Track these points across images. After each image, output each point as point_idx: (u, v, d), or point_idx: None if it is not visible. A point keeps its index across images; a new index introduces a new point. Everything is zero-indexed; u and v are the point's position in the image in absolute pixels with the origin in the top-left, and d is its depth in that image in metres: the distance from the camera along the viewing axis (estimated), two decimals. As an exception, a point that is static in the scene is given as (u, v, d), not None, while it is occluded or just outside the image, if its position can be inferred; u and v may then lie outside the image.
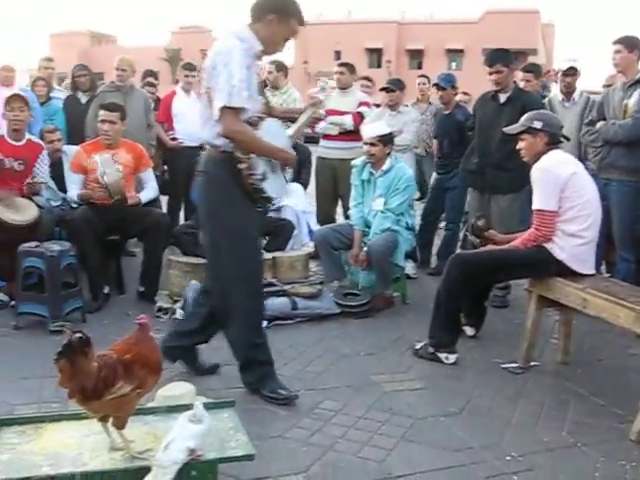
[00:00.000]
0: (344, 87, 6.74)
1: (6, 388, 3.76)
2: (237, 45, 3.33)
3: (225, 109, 3.28)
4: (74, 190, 5.52)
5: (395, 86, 6.83)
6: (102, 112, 5.52)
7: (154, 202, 6.08)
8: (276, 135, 3.61)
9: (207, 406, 2.79)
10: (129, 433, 2.46)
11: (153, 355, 2.48)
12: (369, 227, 5.54)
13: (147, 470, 2.34)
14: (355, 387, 3.85)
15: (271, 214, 6.46)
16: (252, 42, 3.42)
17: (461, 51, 48.47)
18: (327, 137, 6.87)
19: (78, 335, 2.32)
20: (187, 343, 3.91)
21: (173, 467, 2.27)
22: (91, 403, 2.35)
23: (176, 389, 3.11)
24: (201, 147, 4.26)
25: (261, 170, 3.46)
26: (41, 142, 5.76)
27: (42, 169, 5.57)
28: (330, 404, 3.66)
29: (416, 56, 50.67)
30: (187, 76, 7.17)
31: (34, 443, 2.49)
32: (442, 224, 7.04)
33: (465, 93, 10.02)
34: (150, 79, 8.19)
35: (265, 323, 4.89)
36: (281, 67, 7.22)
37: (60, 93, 7.47)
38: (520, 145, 4.30)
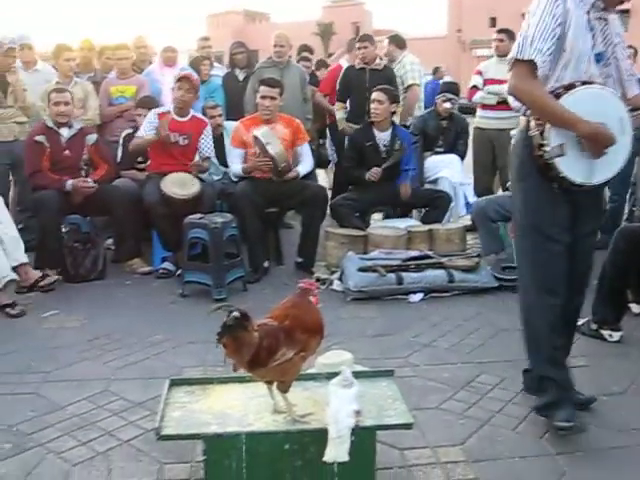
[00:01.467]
0: (503, 55, 6.50)
1: (174, 351, 4.00)
2: None
3: (515, 62, 2.85)
4: (236, 164, 5.72)
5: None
6: (263, 88, 5.65)
7: (310, 175, 6.19)
8: (603, 107, 2.85)
9: (365, 374, 2.83)
10: (291, 397, 2.52)
11: (313, 317, 2.50)
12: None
13: (309, 433, 2.40)
14: (514, 362, 3.73)
15: (427, 186, 6.40)
16: None
17: (627, 11, 45.54)
18: (485, 107, 6.69)
19: (234, 314, 2.37)
20: None
21: (348, 433, 2.31)
22: (257, 370, 2.42)
23: (335, 357, 3.15)
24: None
25: (555, 143, 2.83)
26: (205, 118, 6.00)
27: (206, 144, 5.80)
28: (487, 378, 3.59)
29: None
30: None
31: (202, 403, 2.62)
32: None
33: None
34: (305, 54, 8.28)
35: (421, 295, 4.90)
36: (393, 39, 7.11)
37: (219, 71, 7.74)
38: None
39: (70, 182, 5.37)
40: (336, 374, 2.51)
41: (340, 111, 6.94)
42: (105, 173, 5.66)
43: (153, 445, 2.80)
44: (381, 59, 6.98)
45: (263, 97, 5.63)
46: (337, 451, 2.29)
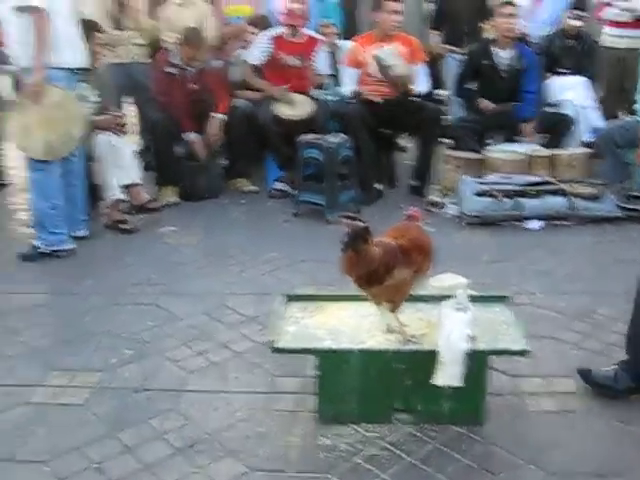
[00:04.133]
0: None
1: (287, 269, 4.06)
2: None
3: None
4: (349, 85, 5.63)
5: None
6: (391, 3, 5.44)
7: (428, 97, 6.00)
8: None
9: (479, 299, 2.76)
10: (403, 318, 2.51)
11: (426, 240, 2.47)
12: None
13: (420, 353, 2.39)
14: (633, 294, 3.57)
15: (548, 109, 6.09)
16: None
17: None
18: (615, 24, 6.24)
19: (362, 225, 2.34)
20: None
21: (461, 357, 2.28)
22: (372, 288, 2.40)
23: (448, 280, 3.10)
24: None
25: None
26: (319, 36, 5.91)
27: (321, 62, 5.73)
28: (605, 310, 3.43)
29: None
30: None
31: (316, 319, 2.65)
32: None
33: None
34: None
35: (539, 222, 4.73)
36: None
37: None
38: None
39: (192, 136, 5.48)
40: (450, 297, 2.47)
41: (435, 36, 6.70)
42: (228, 104, 5.67)
43: (266, 358, 2.86)
44: None
45: (394, 11, 5.44)
46: (449, 375, 2.27)
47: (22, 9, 4.06)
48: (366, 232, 2.35)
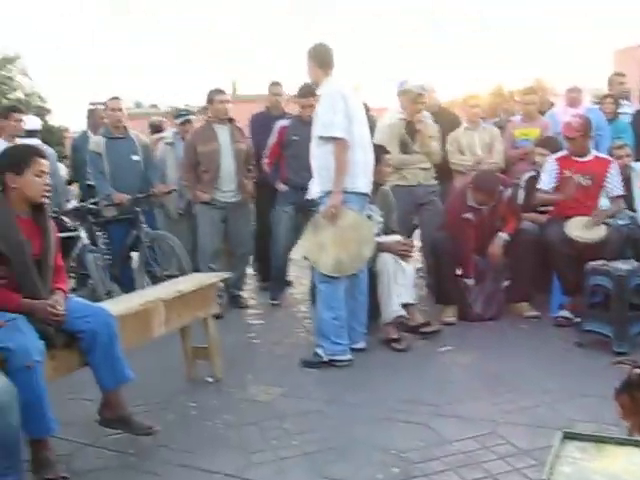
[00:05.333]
0: None
1: (566, 402, 3.79)
2: None
3: None
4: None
5: None
6: None
7: None
8: None
9: None
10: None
11: None
12: None
13: None
14: None
15: None
16: None
17: None
18: None
19: (638, 372, 2.17)
20: None
21: None
22: None
23: None
24: None
25: None
26: (609, 157, 5.70)
27: (614, 182, 5.52)
28: None
29: None
30: None
31: (597, 462, 2.41)
32: None
33: None
34: None
35: None
36: None
37: (628, 109, 7.27)
38: None
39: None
40: None
41: None
42: (515, 226, 5.65)
43: (539, 497, 2.66)
44: None
45: None
46: None
47: (325, 139, 4.48)
48: None
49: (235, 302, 6.36)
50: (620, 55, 24.37)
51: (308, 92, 5.89)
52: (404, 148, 6.14)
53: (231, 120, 6.24)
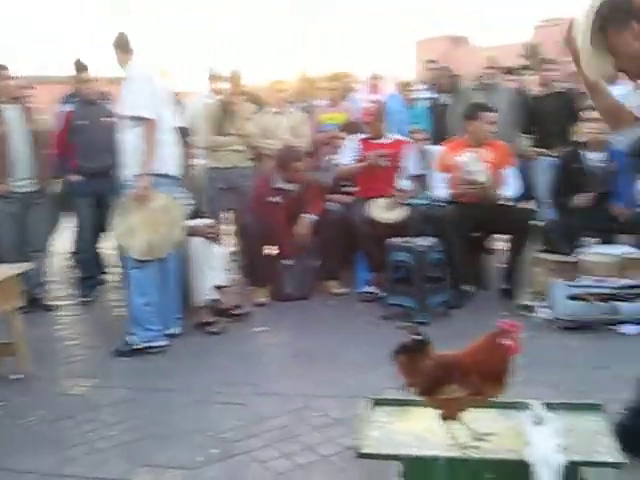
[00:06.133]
0: None
1: (374, 372, 4.01)
2: None
3: None
4: (440, 189, 5.69)
5: None
6: (489, 114, 5.61)
7: (520, 200, 5.98)
8: None
9: (571, 406, 2.66)
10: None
11: (496, 366, 2.34)
12: None
13: (510, 463, 2.29)
14: None
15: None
16: None
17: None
18: None
19: (417, 338, 2.41)
20: None
21: (558, 470, 2.18)
22: (424, 397, 2.43)
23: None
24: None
25: None
26: (405, 138, 6.09)
27: (411, 163, 5.90)
28: None
29: None
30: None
31: (402, 424, 2.60)
32: None
33: None
34: (508, 76, 8.13)
35: (637, 327, 4.56)
36: None
37: (426, 93, 7.75)
38: None
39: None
40: (527, 407, 2.40)
41: (525, 139, 6.77)
42: (320, 208, 5.83)
43: (352, 462, 2.82)
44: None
45: (490, 122, 5.59)
46: None
47: (135, 121, 4.37)
48: (423, 343, 2.40)
49: (38, 304, 5.68)
50: (422, 46, 25.80)
51: (82, 67, 5.68)
52: (219, 130, 6.15)
53: (20, 99, 5.64)
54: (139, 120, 4.36)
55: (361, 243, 5.62)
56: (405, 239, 5.14)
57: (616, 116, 2.64)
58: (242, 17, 76.53)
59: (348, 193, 6.09)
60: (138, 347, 4.45)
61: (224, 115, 6.18)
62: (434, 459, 2.33)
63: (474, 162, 5.39)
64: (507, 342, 2.35)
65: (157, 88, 4.49)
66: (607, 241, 5.65)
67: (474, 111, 5.64)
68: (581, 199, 5.52)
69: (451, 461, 2.33)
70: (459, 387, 2.34)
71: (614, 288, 4.80)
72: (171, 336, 4.68)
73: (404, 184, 5.88)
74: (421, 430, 2.52)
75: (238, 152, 6.33)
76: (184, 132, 5.15)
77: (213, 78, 6.52)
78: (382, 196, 5.71)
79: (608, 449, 2.36)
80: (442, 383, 2.35)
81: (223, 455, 3.06)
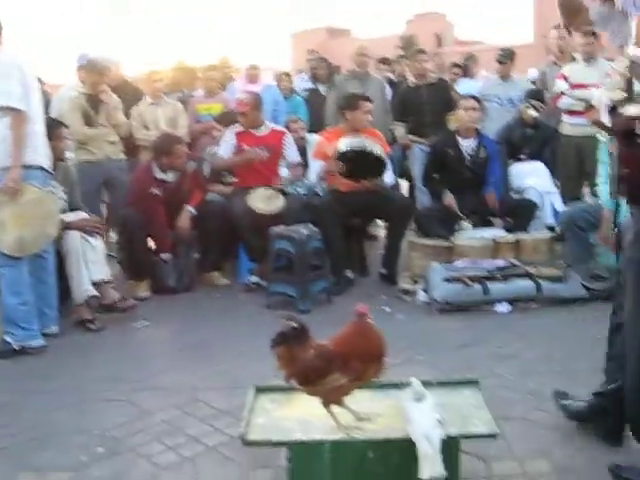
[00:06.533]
0: (590, 58, 6.36)
1: (259, 361, 4.03)
2: None
3: None
4: (318, 177, 5.78)
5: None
6: (366, 104, 5.75)
7: (395, 186, 6.19)
8: None
9: (449, 384, 2.80)
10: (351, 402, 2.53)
11: (373, 346, 2.45)
12: (619, 205, 5.17)
13: (393, 442, 2.39)
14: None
15: (513, 195, 6.29)
16: None
17: None
18: (571, 113, 6.53)
19: (293, 326, 2.43)
20: None
21: (439, 445, 2.28)
22: (306, 387, 2.47)
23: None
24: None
25: None
26: (283, 128, 6.13)
27: (292, 151, 5.97)
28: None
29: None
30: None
31: (286, 410, 2.65)
32: None
33: None
34: (382, 66, 8.37)
35: (508, 306, 4.82)
36: None
37: (304, 83, 7.86)
38: None
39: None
40: (406, 386, 2.51)
41: (399, 127, 7.02)
42: (201, 199, 5.81)
43: (238, 451, 2.85)
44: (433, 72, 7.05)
45: (367, 111, 5.72)
46: (433, 466, 2.23)
47: (2, 109, 4.17)
48: (301, 332, 2.43)
49: None
50: (296, 38, 26.04)
51: None
52: (88, 121, 5.98)
53: None
54: (8, 110, 4.18)
55: (242, 233, 5.61)
56: (286, 228, 5.19)
57: None
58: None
59: (228, 183, 6.09)
60: (15, 348, 4.28)
61: (91, 107, 6.02)
62: (319, 443, 2.40)
63: (358, 142, 5.47)
64: (370, 322, 2.47)
65: (27, 75, 4.30)
66: (481, 225, 5.95)
67: (354, 101, 5.77)
68: (447, 201, 5.76)
69: (336, 444, 2.40)
70: (341, 375, 2.40)
71: (487, 270, 5.05)
72: (50, 335, 4.53)
73: (283, 173, 5.95)
74: (305, 415, 2.59)
75: (112, 144, 6.18)
76: (56, 124, 4.98)
77: (80, 69, 6.31)
78: (261, 186, 5.73)
79: (484, 421, 2.51)
80: (324, 374, 2.40)
81: (108, 453, 3.02)
